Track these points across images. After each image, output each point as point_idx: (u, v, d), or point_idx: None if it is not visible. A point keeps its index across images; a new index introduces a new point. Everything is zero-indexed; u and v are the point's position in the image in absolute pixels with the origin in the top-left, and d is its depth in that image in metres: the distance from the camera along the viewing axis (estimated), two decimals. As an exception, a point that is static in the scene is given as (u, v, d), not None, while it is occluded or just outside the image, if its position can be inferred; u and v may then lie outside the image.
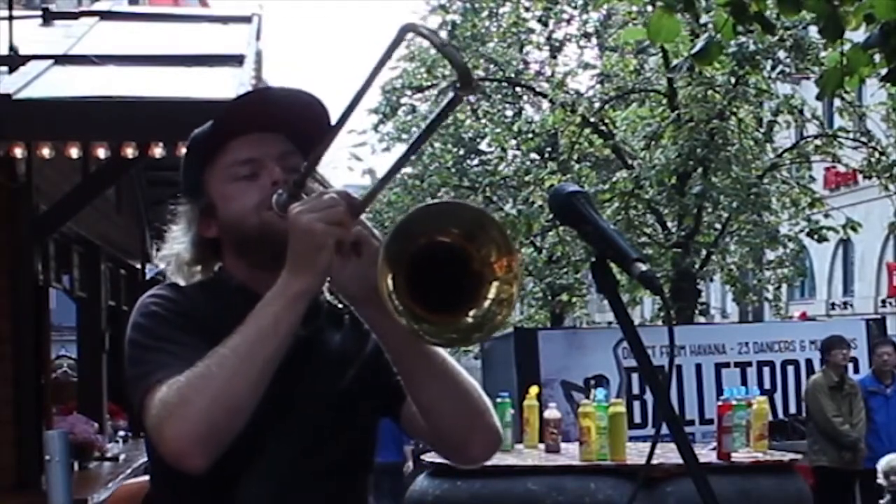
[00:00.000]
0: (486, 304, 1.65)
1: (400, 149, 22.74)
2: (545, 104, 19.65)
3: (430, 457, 5.64)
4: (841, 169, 19.98)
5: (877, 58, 5.02)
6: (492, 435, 1.93)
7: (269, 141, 1.93)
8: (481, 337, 1.67)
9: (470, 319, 1.65)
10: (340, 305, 1.97)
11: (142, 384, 1.77)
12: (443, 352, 1.84)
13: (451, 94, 1.62)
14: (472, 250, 1.65)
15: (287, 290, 1.72)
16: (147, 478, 2.06)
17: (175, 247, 1.97)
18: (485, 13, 20.55)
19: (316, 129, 1.88)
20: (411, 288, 1.60)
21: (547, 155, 19.41)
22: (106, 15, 9.07)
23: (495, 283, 1.65)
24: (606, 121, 17.52)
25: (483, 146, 22.78)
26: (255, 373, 1.70)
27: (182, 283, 1.95)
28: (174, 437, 1.69)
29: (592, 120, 17.09)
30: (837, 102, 16.63)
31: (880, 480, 7.50)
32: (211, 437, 1.69)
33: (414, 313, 1.59)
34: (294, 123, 1.93)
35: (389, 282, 1.58)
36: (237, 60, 7.07)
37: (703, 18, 11.15)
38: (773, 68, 15.75)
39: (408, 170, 23.12)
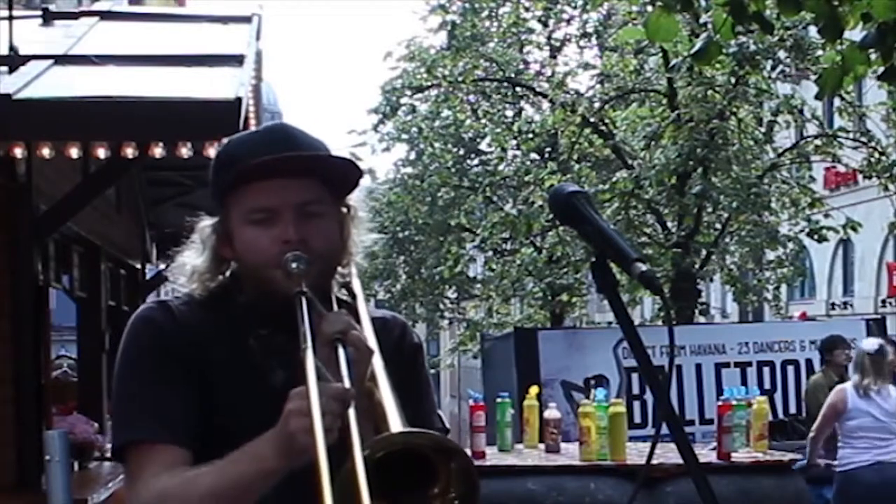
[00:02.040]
0: None
1: (400, 148, 22.78)
2: (545, 104, 19.65)
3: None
4: (841, 169, 19.99)
5: (873, 56, 5.03)
6: None
7: (291, 188, 1.89)
8: None
9: None
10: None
11: (118, 434, 1.95)
12: None
13: None
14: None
15: (263, 463, 1.74)
16: None
17: (191, 261, 1.98)
18: (485, 13, 20.52)
19: (346, 177, 1.94)
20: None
21: (547, 155, 19.41)
22: (106, 15, 9.05)
23: None
24: (606, 121, 17.53)
25: (483, 146, 22.77)
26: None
27: (196, 292, 1.98)
28: None
29: (592, 120, 17.10)
30: (837, 102, 16.65)
31: None
32: None
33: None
34: (322, 169, 1.92)
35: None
36: (237, 60, 7.05)
37: (703, 18, 11.14)
38: (773, 68, 15.74)
39: (408, 170, 23.14)
